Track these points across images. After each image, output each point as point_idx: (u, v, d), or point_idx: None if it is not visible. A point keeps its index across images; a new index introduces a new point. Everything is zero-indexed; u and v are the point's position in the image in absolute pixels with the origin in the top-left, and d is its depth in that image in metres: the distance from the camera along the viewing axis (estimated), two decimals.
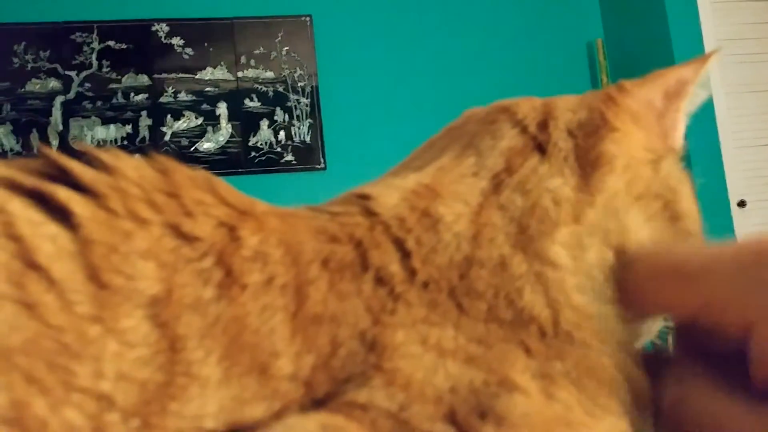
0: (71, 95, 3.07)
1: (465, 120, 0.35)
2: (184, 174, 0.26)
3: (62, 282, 0.21)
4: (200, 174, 0.26)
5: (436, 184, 0.30)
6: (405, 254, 0.27)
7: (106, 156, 0.25)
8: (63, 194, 0.23)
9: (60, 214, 0.22)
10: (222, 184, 0.27)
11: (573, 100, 0.34)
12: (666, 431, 0.27)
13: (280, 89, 3.23)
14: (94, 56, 3.12)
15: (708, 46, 3.01)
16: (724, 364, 0.26)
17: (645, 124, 0.33)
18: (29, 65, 3.05)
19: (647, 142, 0.32)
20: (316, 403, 0.23)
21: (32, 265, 0.21)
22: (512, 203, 0.29)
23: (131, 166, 0.25)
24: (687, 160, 0.34)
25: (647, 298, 0.28)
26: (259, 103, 3.21)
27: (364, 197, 0.29)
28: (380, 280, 0.26)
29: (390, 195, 0.29)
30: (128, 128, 3.09)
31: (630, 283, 0.29)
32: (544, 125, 0.32)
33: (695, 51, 2.93)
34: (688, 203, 0.32)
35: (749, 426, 0.24)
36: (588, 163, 0.30)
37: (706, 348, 0.27)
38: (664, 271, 0.27)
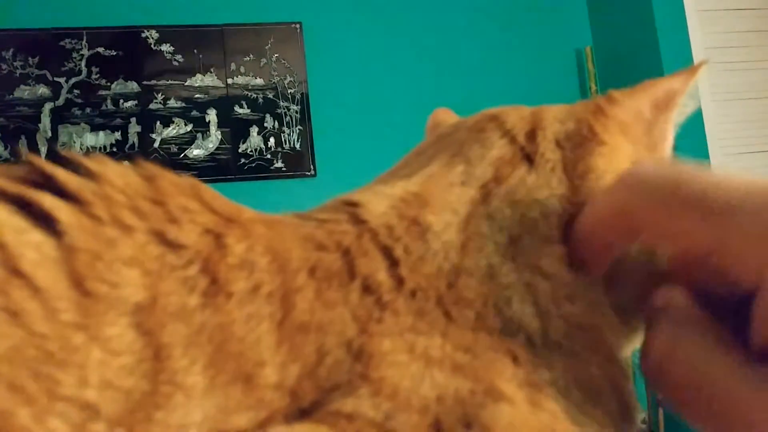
0: (60, 102, 3.05)
1: (454, 128, 0.35)
2: (170, 180, 0.26)
3: (46, 290, 0.21)
4: (186, 180, 0.26)
5: (424, 193, 0.29)
6: (393, 262, 0.27)
7: (92, 163, 0.25)
8: (47, 201, 0.23)
9: (44, 221, 0.22)
10: (208, 190, 0.26)
11: (561, 110, 0.34)
12: (649, 378, 0.26)
13: (270, 96, 3.22)
14: (83, 63, 3.10)
15: (696, 54, 3.03)
16: (721, 316, 0.25)
17: (633, 135, 0.33)
18: (18, 71, 3.04)
19: (635, 154, 0.32)
20: (302, 412, 0.23)
21: (16, 272, 0.21)
22: (501, 213, 0.29)
23: (116, 172, 0.25)
24: None
25: (654, 225, 0.26)
26: (249, 110, 3.20)
27: (352, 204, 0.29)
28: (367, 289, 0.26)
29: (378, 203, 0.29)
30: (117, 135, 3.07)
31: (633, 201, 0.26)
32: (532, 135, 0.32)
33: (683, 58, 2.95)
34: None
35: (740, 390, 0.22)
36: (576, 176, 0.30)
37: (704, 293, 0.26)
38: (681, 197, 0.24)
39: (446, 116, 0.43)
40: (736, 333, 0.24)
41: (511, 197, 0.29)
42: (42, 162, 0.24)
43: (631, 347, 0.32)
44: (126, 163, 0.26)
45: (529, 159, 0.31)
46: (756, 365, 0.23)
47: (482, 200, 0.29)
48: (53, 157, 0.25)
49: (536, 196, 0.29)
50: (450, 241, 0.28)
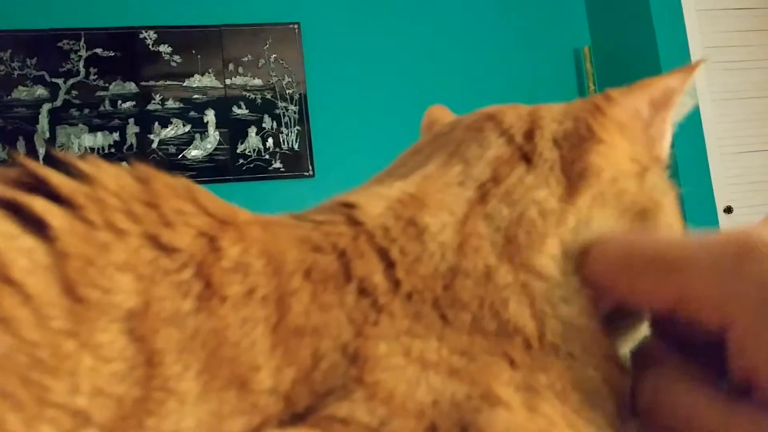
0: (58, 103, 3.05)
1: (450, 126, 0.35)
2: (164, 183, 0.25)
3: (37, 296, 0.21)
4: (180, 182, 0.26)
5: (421, 193, 0.29)
6: (389, 264, 0.26)
7: (85, 165, 0.24)
8: (39, 206, 0.22)
9: (36, 226, 0.22)
10: (203, 192, 0.26)
11: (559, 109, 0.34)
12: (641, 420, 0.27)
13: (268, 96, 3.22)
14: (81, 63, 3.10)
15: (694, 53, 3.03)
16: (701, 357, 0.26)
17: (631, 134, 0.33)
18: (16, 72, 3.04)
19: (633, 153, 0.32)
20: (296, 417, 0.23)
21: (7, 279, 0.20)
22: (498, 213, 0.29)
23: (110, 175, 0.25)
24: (674, 166, 0.34)
25: (620, 289, 0.27)
26: (247, 111, 3.20)
27: (348, 206, 0.28)
28: (363, 291, 0.25)
29: (375, 204, 0.28)
30: (115, 136, 3.07)
31: (601, 270, 0.28)
32: (530, 135, 0.32)
33: (681, 58, 2.95)
34: (670, 216, 0.32)
35: (724, 423, 0.24)
36: (574, 175, 0.30)
37: (682, 340, 0.27)
38: (639, 260, 0.27)
39: (442, 113, 0.43)
40: (721, 373, 0.25)
41: (509, 197, 0.29)
42: (35, 164, 0.24)
43: (629, 344, 0.32)
44: (124, 164, 0.26)
45: (527, 159, 0.31)
46: (739, 401, 0.24)
47: (480, 200, 0.29)
48: (52, 158, 0.25)
49: (535, 197, 0.29)
50: (446, 242, 0.27)
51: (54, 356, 0.20)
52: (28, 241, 0.22)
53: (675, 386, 0.26)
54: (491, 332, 0.26)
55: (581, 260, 0.28)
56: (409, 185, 0.30)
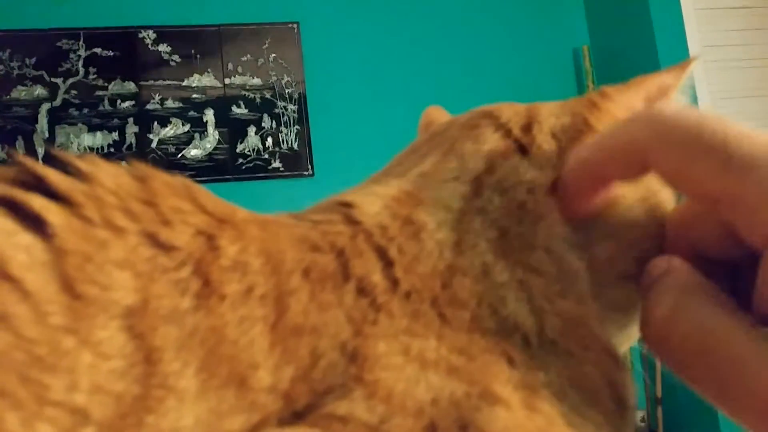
0: (57, 102, 3.05)
1: (447, 125, 0.35)
2: (162, 181, 0.25)
3: (36, 293, 0.20)
4: (179, 181, 0.26)
5: (417, 191, 0.29)
6: (387, 263, 0.26)
7: (83, 163, 0.24)
8: (37, 203, 0.22)
9: (34, 223, 0.22)
10: (201, 191, 0.26)
11: (556, 106, 0.34)
12: (652, 345, 0.25)
13: (268, 96, 3.22)
14: (80, 63, 3.10)
15: (693, 52, 3.03)
16: (723, 278, 0.25)
17: None
18: (15, 72, 3.03)
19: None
20: (296, 415, 0.23)
21: (5, 275, 0.20)
22: (491, 204, 0.29)
23: (108, 173, 0.25)
24: None
25: (667, 164, 0.25)
26: (247, 110, 3.20)
27: (346, 205, 0.28)
28: (362, 291, 0.25)
29: (372, 203, 0.29)
30: (115, 135, 3.07)
31: (649, 136, 0.26)
32: (527, 128, 0.32)
33: (680, 57, 2.94)
34: (668, 207, 0.32)
35: (747, 352, 0.22)
36: None
37: (701, 259, 0.26)
38: (702, 142, 0.24)
39: (438, 114, 0.43)
40: (734, 299, 0.24)
41: (501, 185, 0.29)
42: (33, 163, 0.24)
43: (629, 341, 0.32)
44: (124, 163, 0.26)
45: (524, 150, 0.31)
46: (761, 328, 0.22)
47: (474, 194, 0.29)
48: (51, 158, 0.25)
49: (524, 178, 0.29)
50: (444, 240, 0.27)
51: (53, 353, 0.20)
52: (26, 238, 0.22)
53: (698, 304, 0.24)
54: (490, 330, 0.26)
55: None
56: (405, 183, 0.30)
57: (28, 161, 0.24)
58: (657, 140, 0.25)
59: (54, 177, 0.23)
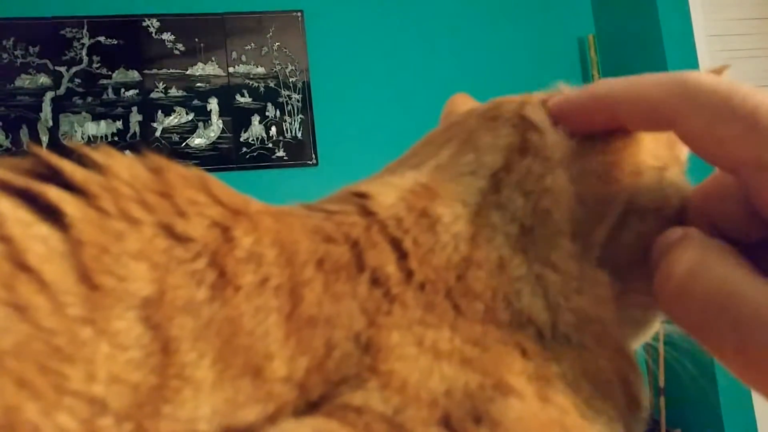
0: (61, 91, 3.05)
1: (465, 116, 0.35)
2: (177, 173, 0.26)
3: (53, 284, 0.21)
4: (194, 173, 0.26)
5: (433, 183, 0.29)
6: (402, 255, 0.26)
7: (98, 155, 0.25)
8: (54, 194, 0.22)
9: (51, 214, 0.22)
10: (216, 182, 0.26)
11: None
12: (670, 303, 0.25)
13: (272, 85, 3.21)
14: (84, 52, 3.10)
15: (699, 41, 3.01)
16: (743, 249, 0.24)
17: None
18: (18, 61, 3.03)
19: (655, 148, 0.32)
20: (311, 405, 0.23)
21: (23, 266, 0.20)
22: (512, 203, 0.29)
23: (123, 165, 0.25)
24: None
25: (693, 125, 0.25)
26: (251, 99, 3.19)
27: (361, 196, 0.28)
28: (376, 281, 0.26)
29: (388, 194, 0.29)
30: (119, 124, 3.07)
31: (679, 95, 0.26)
32: (521, 116, 0.32)
33: (686, 46, 2.94)
34: (683, 183, 0.32)
35: (764, 306, 0.22)
36: None
37: (726, 232, 0.26)
38: (731, 106, 0.24)
39: (462, 102, 0.43)
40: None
41: (522, 186, 0.29)
42: (48, 154, 0.24)
43: (639, 341, 0.32)
44: (128, 152, 0.26)
45: (526, 146, 0.31)
46: None
47: (492, 189, 0.29)
48: (55, 146, 0.25)
49: (546, 184, 0.29)
50: (459, 233, 0.28)
51: (71, 344, 0.20)
52: (43, 229, 0.22)
53: (721, 261, 0.24)
54: (504, 322, 0.26)
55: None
56: (421, 175, 0.30)
57: (43, 152, 0.24)
58: (685, 100, 0.26)
59: (70, 168, 0.24)
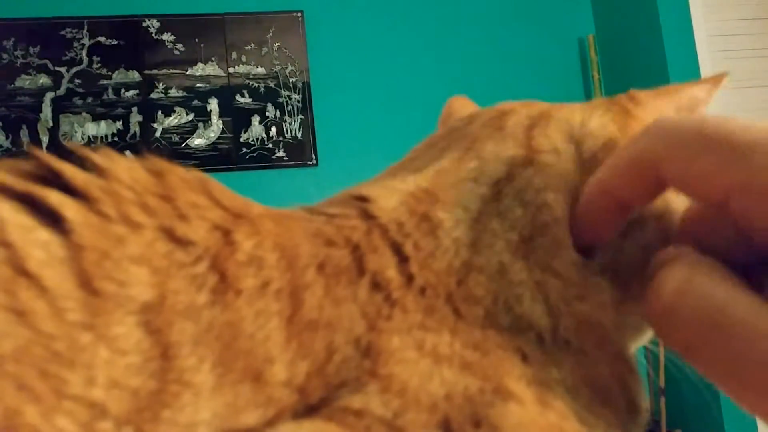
0: (61, 91, 3.05)
1: (467, 121, 0.35)
2: (178, 176, 0.26)
3: (53, 289, 0.21)
4: (194, 175, 0.26)
5: (435, 188, 0.29)
6: (402, 259, 0.27)
7: (99, 157, 0.25)
8: (54, 198, 0.22)
9: (51, 218, 0.22)
10: (217, 185, 0.26)
11: (579, 107, 0.33)
12: (660, 321, 0.25)
13: (272, 85, 3.21)
14: (84, 52, 3.09)
15: (699, 42, 3.01)
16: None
17: None
18: (19, 61, 3.03)
19: None
20: (310, 409, 0.23)
21: (23, 272, 0.20)
22: (511, 212, 0.29)
23: (124, 167, 0.25)
24: None
25: (676, 169, 0.25)
26: (251, 99, 3.19)
27: (363, 199, 0.28)
28: (377, 285, 0.26)
29: (389, 198, 0.29)
30: (119, 124, 3.07)
31: (656, 146, 0.25)
32: (529, 130, 0.32)
33: (686, 47, 2.94)
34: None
35: (762, 327, 0.21)
36: None
37: (716, 254, 0.25)
38: (704, 138, 0.24)
39: (461, 105, 0.43)
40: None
41: (521, 197, 0.29)
42: (49, 157, 0.24)
43: (636, 345, 0.32)
44: (128, 152, 0.26)
45: (530, 159, 0.31)
46: None
47: (493, 197, 0.29)
48: (55, 147, 0.25)
49: (545, 198, 0.29)
50: (460, 238, 0.28)
51: (70, 349, 0.20)
52: (43, 234, 0.22)
53: (711, 279, 0.23)
54: (504, 327, 0.26)
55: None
56: (422, 179, 0.30)
57: (44, 155, 0.24)
58: (663, 145, 0.25)
59: (71, 172, 0.24)
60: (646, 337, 0.31)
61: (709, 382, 0.23)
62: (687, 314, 0.23)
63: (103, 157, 0.25)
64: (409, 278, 0.26)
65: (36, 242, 0.21)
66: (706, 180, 0.24)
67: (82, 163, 0.24)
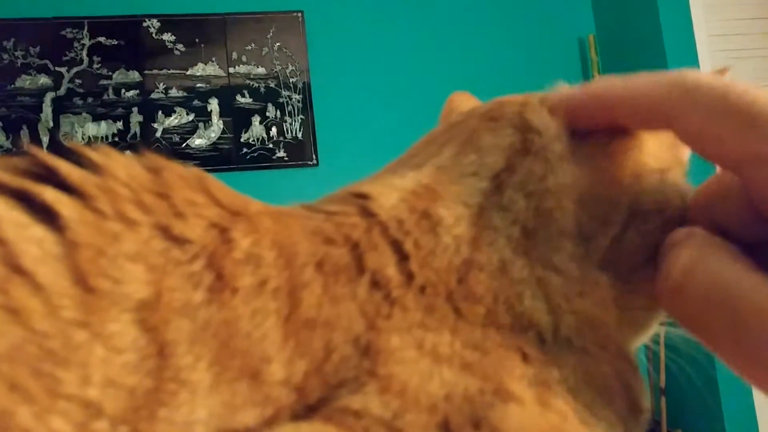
0: (62, 91, 3.05)
1: (466, 115, 0.34)
2: (175, 173, 0.25)
3: (48, 286, 0.20)
4: (192, 172, 0.26)
5: (435, 184, 0.29)
6: (402, 257, 0.26)
7: (95, 154, 0.24)
8: (50, 195, 0.22)
9: (46, 215, 0.22)
10: (214, 182, 0.26)
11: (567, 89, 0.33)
12: (669, 300, 0.25)
13: (272, 85, 3.21)
14: (84, 52, 3.10)
15: (699, 41, 3.01)
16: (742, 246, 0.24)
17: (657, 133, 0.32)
18: (19, 61, 3.03)
19: (657, 150, 0.31)
20: (309, 409, 0.23)
21: (17, 269, 0.20)
22: (514, 204, 0.28)
23: (121, 165, 0.24)
24: None
25: (691, 125, 0.25)
26: (251, 99, 3.19)
27: (362, 197, 0.28)
28: (376, 284, 0.25)
29: (389, 195, 0.28)
30: (119, 125, 3.07)
31: (677, 96, 0.26)
32: (521, 116, 0.32)
33: (686, 46, 2.94)
34: (684, 184, 0.31)
35: (760, 301, 0.21)
36: None
37: (728, 233, 0.26)
38: (727, 104, 0.24)
39: (462, 100, 0.43)
40: None
41: (524, 187, 0.29)
42: (44, 154, 0.24)
43: (638, 342, 0.31)
44: (129, 153, 0.26)
45: (527, 148, 0.31)
46: None
47: (494, 191, 0.29)
48: (56, 147, 0.25)
49: (547, 184, 0.29)
50: (461, 235, 0.27)
51: (65, 347, 0.20)
52: (38, 231, 0.21)
53: (719, 257, 0.24)
54: (505, 326, 0.26)
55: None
56: (422, 176, 0.30)
57: (39, 152, 0.24)
58: (683, 99, 0.26)
59: (66, 169, 0.23)
60: (647, 334, 0.31)
61: (718, 359, 0.24)
62: (695, 292, 0.24)
63: (98, 154, 0.24)
64: (409, 276, 0.26)
65: (30, 239, 0.21)
66: (722, 144, 0.24)
67: (78, 160, 0.24)
